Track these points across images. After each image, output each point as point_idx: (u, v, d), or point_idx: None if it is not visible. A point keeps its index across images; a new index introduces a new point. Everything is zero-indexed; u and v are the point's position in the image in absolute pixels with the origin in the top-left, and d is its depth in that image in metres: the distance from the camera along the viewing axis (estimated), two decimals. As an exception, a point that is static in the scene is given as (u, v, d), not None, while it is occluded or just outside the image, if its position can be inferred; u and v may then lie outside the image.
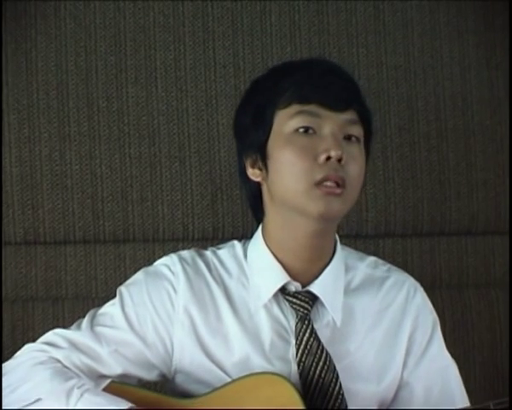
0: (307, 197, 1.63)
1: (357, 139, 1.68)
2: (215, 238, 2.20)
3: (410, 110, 2.30)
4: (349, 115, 1.66)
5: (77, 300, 2.18)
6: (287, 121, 1.66)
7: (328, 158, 1.62)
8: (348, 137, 1.66)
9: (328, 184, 1.62)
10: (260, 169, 1.70)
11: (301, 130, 1.65)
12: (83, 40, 2.21)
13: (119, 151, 2.22)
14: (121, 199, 2.21)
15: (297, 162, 1.64)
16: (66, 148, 2.20)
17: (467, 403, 1.76)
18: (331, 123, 1.65)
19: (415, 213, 2.30)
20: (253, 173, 1.72)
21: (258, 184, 1.74)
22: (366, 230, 2.27)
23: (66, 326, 1.74)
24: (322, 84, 1.67)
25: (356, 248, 1.86)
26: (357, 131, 1.68)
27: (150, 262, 1.79)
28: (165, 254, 1.79)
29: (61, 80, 2.20)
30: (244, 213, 2.24)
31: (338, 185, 1.63)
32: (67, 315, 2.15)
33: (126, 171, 2.21)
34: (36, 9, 2.20)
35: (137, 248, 2.21)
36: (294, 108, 1.66)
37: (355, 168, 1.66)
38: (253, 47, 2.26)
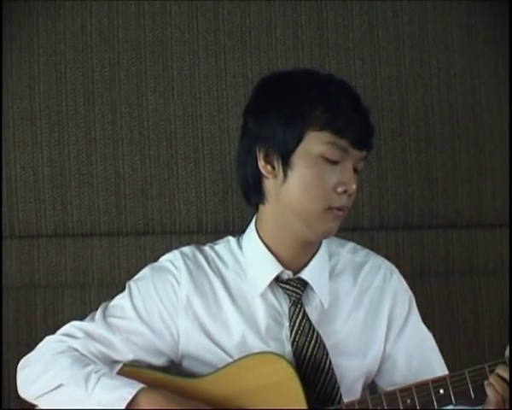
0: (319, 218, 1.71)
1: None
2: (226, 231, 2.20)
3: (401, 116, 2.34)
4: (364, 153, 1.74)
5: (102, 286, 2.22)
6: (318, 145, 1.70)
7: (345, 190, 1.71)
8: (355, 170, 1.74)
9: (336, 211, 1.71)
10: (273, 167, 1.73)
11: (330, 159, 1.70)
12: (107, 53, 2.25)
13: (140, 153, 2.26)
14: (142, 196, 2.25)
15: (318, 186, 1.69)
16: (92, 150, 2.24)
17: (444, 370, 1.83)
18: (352, 158, 1.72)
19: (406, 208, 2.34)
20: (265, 167, 1.74)
21: (259, 171, 1.76)
22: (362, 223, 2.31)
23: (92, 310, 1.82)
24: (354, 120, 1.70)
25: (353, 240, 1.94)
26: (362, 165, 1.76)
27: (168, 252, 1.86)
28: (181, 245, 1.87)
29: (88, 89, 2.24)
30: (251, 209, 2.16)
31: (340, 211, 1.72)
32: (93, 300, 2.19)
33: (146, 170, 2.26)
34: (65, 26, 2.24)
35: (156, 240, 2.25)
36: (327, 136, 1.69)
37: (353, 198, 1.75)
38: (260, 59, 2.30)
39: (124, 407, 1.63)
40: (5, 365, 2.16)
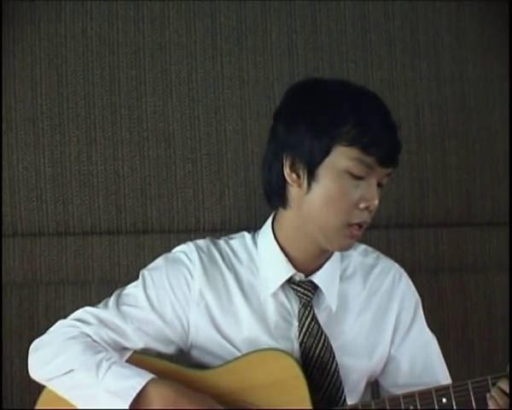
0: (337, 233, 1.70)
1: None
2: (223, 229, 2.26)
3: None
4: (389, 169, 1.72)
5: (102, 283, 2.25)
6: (344, 160, 1.67)
7: (368, 207, 1.69)
8: (379, 184, 1.73)
9: (356, 228, 1.70)
10: (298, 176, 1.71)
11: (355, 175, 1.68)
12: (107, 56, 2.28)
13: (139, 153, 2.28)
14: (141, 195, 2.28)
15: (341, 200, 1.68)
16: (92, 150, 2.27)
17: (446, 373, 1.85)
18: (378, 175, 1.70)
19: (397, 207, 2.36)
20: (290, 175, 1.72)
21: (284, 178, 1.73)
22: (354, 222, 2.34)
23: (92, 306, 1.81)
24: (383, 138, 1.67)
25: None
26: (387, 180, 1.75)
27: (166, 250, 1.87)
28: (179, 243, 1.87)
29: (88, 91, 2.27)
30: (248, 208, 2.30)
31: (360, 228, 1.71)
32: (94, 297, 2.20)
33: (145, 170, 2.28)
34: (66, 30, 2.27)
35: (155, 238, 2.27)
36: (355, 152, 1.66)
37: (374, 213, 1.73)
38: (255, 62, 2.32)
39: (134, 396, 1.65)
40: (7, 361, 2.18)
